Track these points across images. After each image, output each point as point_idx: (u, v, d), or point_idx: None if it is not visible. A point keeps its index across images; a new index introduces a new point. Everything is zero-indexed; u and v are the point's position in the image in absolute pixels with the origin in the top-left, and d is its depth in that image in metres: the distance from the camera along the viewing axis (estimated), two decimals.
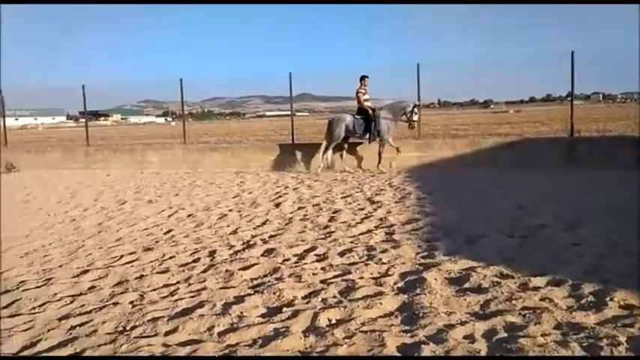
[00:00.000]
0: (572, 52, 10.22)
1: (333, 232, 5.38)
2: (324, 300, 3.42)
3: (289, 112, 14.18)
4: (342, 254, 4.52)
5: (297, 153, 11.82)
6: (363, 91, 10.79)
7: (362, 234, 5.25)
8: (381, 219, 5.92)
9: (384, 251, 4.53)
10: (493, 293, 3.39)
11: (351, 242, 4.92)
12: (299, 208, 6.82)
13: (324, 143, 10.93)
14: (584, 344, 2.62)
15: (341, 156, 11.02)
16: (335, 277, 3.91)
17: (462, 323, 2.94)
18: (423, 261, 4.20)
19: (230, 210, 6.92)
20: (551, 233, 4.93)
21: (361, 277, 3.85)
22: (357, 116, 10.72)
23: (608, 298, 3.21)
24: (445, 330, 2.86)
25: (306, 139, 19.24)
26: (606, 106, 57.49)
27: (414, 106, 10.68)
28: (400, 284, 3.69)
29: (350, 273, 3.97)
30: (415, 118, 10.69)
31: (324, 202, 7.25)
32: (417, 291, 3.51)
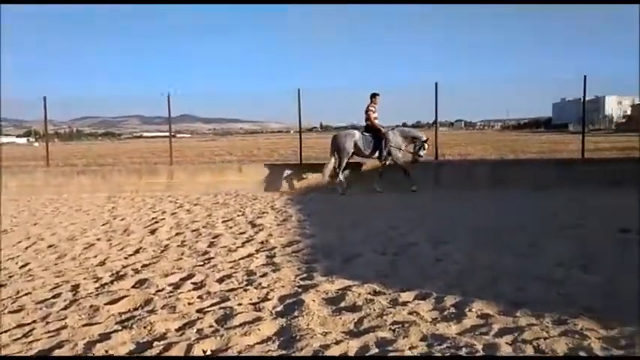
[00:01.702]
0: (436, 84, 11.24)
1: (213, 257, 5.23)
2: (199, 330, 3.28)
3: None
4: (220, 280, 4.39)
5: (176, 175, 11.41)
6: (374, 108, 10.44)
7: (242, 258, 5.17)
8: (262, 242, 5.89)
9: (263, 275, 4.50)
10: (366, 310, 3.52)
11: (231, 267, 4.82)
12: (177, 234, 6.53)
13: (332, 161, 10.37)
14: (446, 354, 2.81)
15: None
16: (212, 305, 3.78)
17: (337, 342, 3.00)
18: (302, 283, 4.25)
19: (98, 239, 6.41)
20: (420, 250, 5.28)
21: (240, 304, 3.77)
22: (365, 133, 10.36)
23: (467, 309, 3.49)
24: (321, 350, 2.90)
25: (187, 161, 18.68)
26: (468, 133, 63.84)
27: (425, 141, 10.38)
28: (279, 308, 3.68)
29: (228, 300, 3.87)
30: (422, 153, 10.43)
31: (203, 226, 7.04)
32: (295, 313, 3.52)
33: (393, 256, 5.10)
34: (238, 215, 7.92)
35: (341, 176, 10.39)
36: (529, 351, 2.84)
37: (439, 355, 2.81)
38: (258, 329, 3.25)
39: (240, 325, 3.35)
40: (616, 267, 4.43)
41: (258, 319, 3.45)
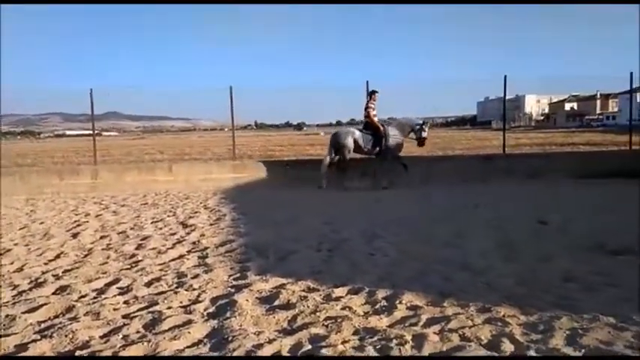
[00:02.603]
0: (367, 82, 11.48)
1: (141, 260, 5.02)
2: (125, 337, 3.13)
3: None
4: (149, 284, 4.22)
5: (101, 175, 10.88)
6: (373, 106, 10.35)
7: (173, 260, 5.00)
8: (194, 243, 5.73)
9: (195, 277, 4.38)
10: (300, 308, 3.51)
11: (160, 270, 4.65)
12: (101, 237, 6.21)
13: (327, 159, 10.29)
14: (377, 347, 2.86)
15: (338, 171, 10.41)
16: (140, 310, 3.62)
17: (270, 341, 2.97)
18: (235, 283, 4.17)
19: (15, 244, 5.96)
20: (353, 245, 5.35)
21: (169, 307, 3.64)
22: (364, 131, 10.29)
23: (397, 301, 3.58)
24: (253, 350, 2.86)
25: (114, 160, 17.86)
26: None
27: (423, 124, 10.52)
28: (211, 310, 3.59)
29: (157, 304, 3.72)
30: (424, 135, 10.54)
31: (131, 228, 6.75)
32: (228, 314, 3.45)
33: (328, 252, 5.13)
34: (169, 216, 7.68)
35: (344, 173, 10.48)
36: (455, 339, 2.95)
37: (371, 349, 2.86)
38: (189, 332, 3.16)
39: (170, 329, 3.23)
40: (534, 256, 4.71)
41: (189, 322, 3.35)
